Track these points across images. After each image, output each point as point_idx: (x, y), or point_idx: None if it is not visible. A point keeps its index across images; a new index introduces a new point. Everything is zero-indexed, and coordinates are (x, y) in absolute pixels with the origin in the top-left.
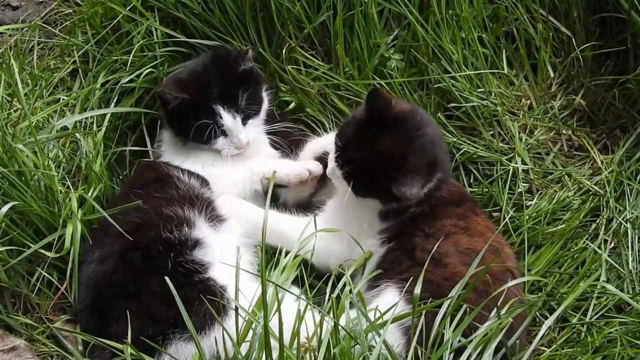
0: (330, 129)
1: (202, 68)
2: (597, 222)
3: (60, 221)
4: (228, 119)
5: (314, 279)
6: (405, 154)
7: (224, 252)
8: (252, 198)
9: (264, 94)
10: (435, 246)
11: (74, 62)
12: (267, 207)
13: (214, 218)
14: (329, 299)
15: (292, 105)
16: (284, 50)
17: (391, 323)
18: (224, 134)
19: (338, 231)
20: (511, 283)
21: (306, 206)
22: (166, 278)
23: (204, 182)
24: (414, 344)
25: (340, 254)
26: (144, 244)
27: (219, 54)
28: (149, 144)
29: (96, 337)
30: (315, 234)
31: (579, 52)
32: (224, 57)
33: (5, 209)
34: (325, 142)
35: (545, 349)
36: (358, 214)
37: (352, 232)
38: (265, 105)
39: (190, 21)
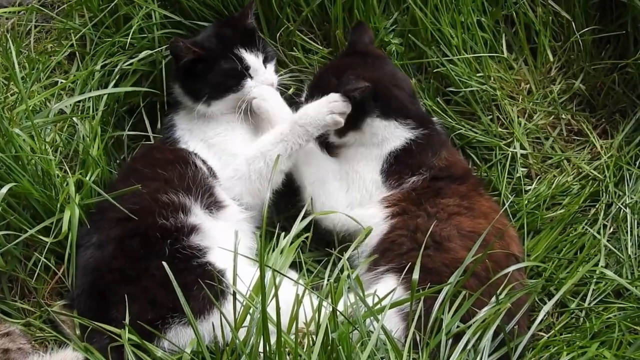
0: None
1: (213, 31)
2: (596, 207)
3: (58, 206)
4: (252, 59)
5: (313, 263)
6: (345, 64)
7: (221, 237)
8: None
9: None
10: (438, 229)
11: (72, 45)
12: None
13: (211, 205)
14: (327, 284)
15: (291, 90)
16: (280, 33)
17: (389, 309)
18: (250, 76)
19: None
20: (510, 268)
21: None
22: (164, 263)
23: (212, 171)
24: (412, 329)
25: (342, 205)
26: (142, 230)
27: (223, 20)
28: (149, 127)
29: (94, 321)
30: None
31: (578, 36)
32: (231, 17)
33: (4, 189)
34: None
35: (544, 334)
36: (362, 168)
37: (357, 191)
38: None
39: (188, 3)
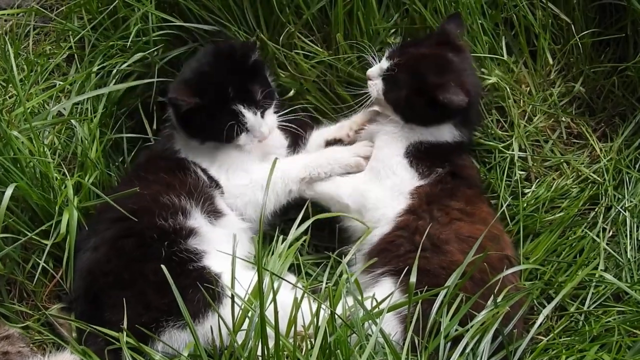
0: (330, 117)
1: (209, 67)
2: (595, 210)
3: (56, 208)
4: (250, 116)
5: (311, 266)
6: (448, 62)
7: (219, 241)
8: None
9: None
10: (438, 232)
11: (70, 47)
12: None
13: (211, 213)
14: (325, 287)
15: (291, 92)
16: (282, 36)
17: (387, 312)
18: (247, 130)
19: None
20: (508, 271)
21: None
22: (163, 267)
23: (214, 181)
24: (410, 333)
25: (388, 200)
26: (139, 230)
27: (223, 50)
28: (148, 129)
29: (90, 324)
30: None
31: (578, 39)
32: (230, 52)
33: (9, 191)
34: (329, 133)
35: (543, 337)
36: (388, 151)
37: (388, 178)
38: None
39: (187, 5)
